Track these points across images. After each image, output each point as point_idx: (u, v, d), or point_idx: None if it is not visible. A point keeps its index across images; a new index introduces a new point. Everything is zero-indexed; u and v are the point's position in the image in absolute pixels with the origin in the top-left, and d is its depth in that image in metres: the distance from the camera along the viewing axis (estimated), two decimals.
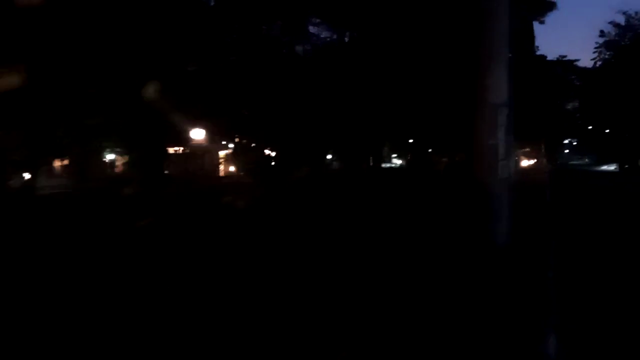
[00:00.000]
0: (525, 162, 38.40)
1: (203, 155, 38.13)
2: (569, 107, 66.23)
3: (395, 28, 23.98)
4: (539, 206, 13.38)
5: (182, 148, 41.05)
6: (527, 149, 38.85)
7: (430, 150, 49.25)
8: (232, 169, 41.72)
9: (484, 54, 5.39)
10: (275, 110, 30.28)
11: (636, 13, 46.12)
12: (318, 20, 32.40)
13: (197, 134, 32.54)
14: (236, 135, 39.85)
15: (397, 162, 68.49)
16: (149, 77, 24.54)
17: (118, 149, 41.67)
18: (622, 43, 48.29)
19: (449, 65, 20.40)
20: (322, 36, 34.94)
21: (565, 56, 50.83)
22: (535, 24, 36.63)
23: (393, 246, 7.59)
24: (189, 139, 33.42)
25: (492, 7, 5.25)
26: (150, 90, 24.87)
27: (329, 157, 57.45)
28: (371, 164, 52.40)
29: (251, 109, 28.83)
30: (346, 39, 35.11)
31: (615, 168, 60.17)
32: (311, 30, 34.43)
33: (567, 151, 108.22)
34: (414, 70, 23.91)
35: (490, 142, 5.28)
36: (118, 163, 42.83)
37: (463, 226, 6.98)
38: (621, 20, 47.34)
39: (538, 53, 43.05)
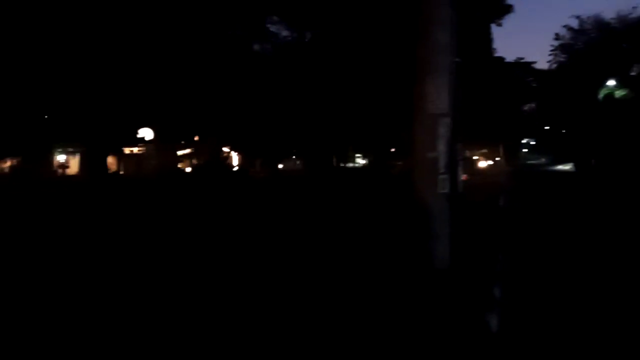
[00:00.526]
0: (483, 163, 39.01)
1: (159, 154, 37.08)
2: (526, 108, 67.90)
3: (346, 30, 23.74)
4: (491, 214, 13.09)
5: (137, 148, 39.95)
6: (486, 150, 39.46)
7: (393, 150, 49.41)
8: (188, 169, 40.77)
9: (421, 61, 5.01)
10: (233, 109, 29.67)
11: (589, 18, 47.43)
12: (277, 19, 31.95)
13: (147, 134, 31.54)
14: (194, 135, 39.05)
15: (361, 162, 68.49)
16: (100, 76, 23.57)
17: (70, 149, 40.21)
18: (576, 47, 49.60)
19: (395, 70, 20.32)
20: (283, 35, 34.51)
21: (522, 58, 52.05)
22: (493, 27, 37.15)
23: (315, 269, 6.82)
24: (141, 139, 32.46)
25: (431, 14, 4.88)
26: (102, 88, 23.92)
27: (293, 156, 57.15)
28: (334, 163, 52.28)
29: (208, 108, 28.06)
30: (306, 39, 34.75)
31: (571, 168, 61.91)
32: (272, 30, 33.97)
33: (525, 151, 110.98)
34: (366, 72, 23.73)
35: (429, 155, 4.92)
36: (69, 163, 41.28)
37: (399, 246, 6.55)
38: (575, 24, 48.63)
39: (496, 55, 43.79)
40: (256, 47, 33.90)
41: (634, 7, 54.51)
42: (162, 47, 23.42)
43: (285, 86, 30.49)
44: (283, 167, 52.74)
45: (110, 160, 39.17)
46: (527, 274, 7.04)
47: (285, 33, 34.21)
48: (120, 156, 41.15)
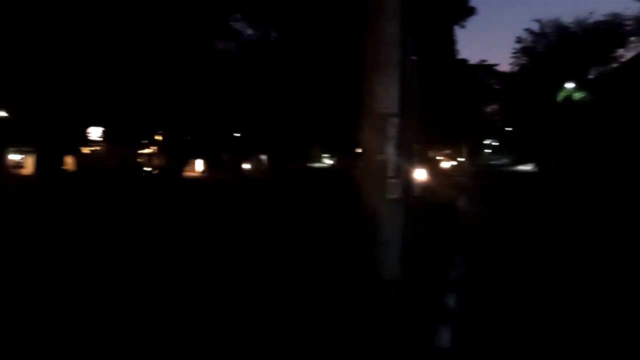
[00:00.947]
0: (446, 164, 39.35)
1: (117, 154, 35.90)
2: (489, 109, 69.19)
3: (308, 26, 23.34)
4: (450, 217, 12.82)
5: (97, 147, 38.65)
6: (449, 151, 39.76)
7: (359, 150, 49.28)
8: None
9: (368, 56, 4.63)
10: (193, 107, 28.93)
11: (549, 21, 48.50)
12: (240, 17, 31.30)
13: (97, 132, 30.48)
14: (157, 134, 38.02)
15: (329, 162, 68.33)
16: (51, 75, 22.50)
17: (26, 148, 38.63)
18: (537, 49, 50.65)
19: (356, 68, 19.88)
20: (248, 33, 33.90)
21: (485, 60, 52.80)
22: (458, 29, 37.42)
23: (251, 281, 6.22)
24: (98, 138, 31.36)
25: (378, 4, 4.50)
26: (52, 89, 22.84)
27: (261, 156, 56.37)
28: (301, 164, 51.92)
29: (166, 106, 27.16)
30: (272, 37, 34.25)
31: (532, 168, 63.36)
32: (238, 28, 33.32)
33: (488, 151, 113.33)
34: (329, 70, 23.41)
35: (377, 157, 4.56)
36: (25, 163, 39.60)
37: (346, 256, 6.14)
38: (536, 28, 49.67)
39: (460, 57, 44.20)
40: (220, 45, 33.21)
41: (591, 13, 56.09)
42: (118, 43, 22.51)
43: (249, 85, 29.95)
44: (249, 168, 51.98)
45: (70, 160, 37.78)
46: (485, 280, 6.80)
47: (250, 32, 33.67)
48: (79, 155, 39.76)
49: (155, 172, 37.16)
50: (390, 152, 4.56)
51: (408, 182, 7.05)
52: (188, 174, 49.86)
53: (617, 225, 12.49)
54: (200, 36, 27.19)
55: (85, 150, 39.68)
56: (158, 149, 41.87)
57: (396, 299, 4.52)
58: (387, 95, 4.56)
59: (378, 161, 4.56)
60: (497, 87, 58.14)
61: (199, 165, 55.50)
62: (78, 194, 22.50)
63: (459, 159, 55.25)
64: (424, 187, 20.38)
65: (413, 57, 7.28)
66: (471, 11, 35.41)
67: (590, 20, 45.12)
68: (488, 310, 5.48)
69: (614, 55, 44.15)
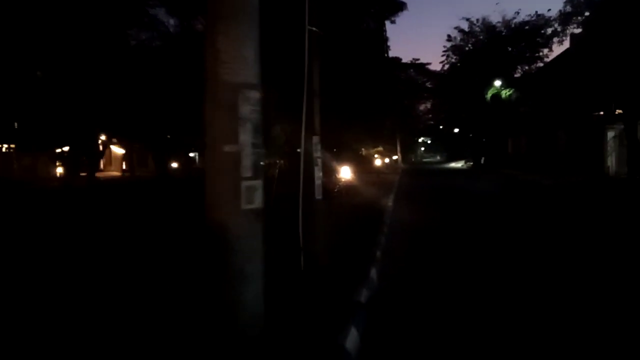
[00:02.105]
0: (379, 161, 38.79)
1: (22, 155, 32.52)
2: (422, 107, 69.84)
3: None
4: (370, 223, 11.51)
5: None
6: (381, 148, 39.19)
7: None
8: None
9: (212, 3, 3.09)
10: (111, 101, 26.42)
11: (478, 20, 48.99)
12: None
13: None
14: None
15: None
16: None
17: None
18: (466, 48, 51.16)
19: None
20: (171, 23, 31.61)
21: (418, 59, 52.97)
22: (391, 29, 36.83)
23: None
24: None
25: None
26: None
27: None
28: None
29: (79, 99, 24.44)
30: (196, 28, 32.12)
31: (462, 165, 64.44)
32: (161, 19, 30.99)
33: (422, 149, 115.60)
34: None
35: (227, 149, 3.07)
36: None
37: (185, 299, 4.62)
38: (465, 26, 50.04)
39: (393, 55, 43.80)
40: (144, 35, 30.77)
41: (516, 13, 57.52)
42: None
43: (168, 77, 27.78)
44: (176, 166, 49.19)
45: None
46: (402, 299, 5.53)
47: (172, 22, 31.41)
48: None
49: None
50: (245, 141, 3.06)
51: (309, 181, 5.70)
52: (110, 173, 46.59)
53: (554, 227, 11.80)
54: (112, 23, 24.64)
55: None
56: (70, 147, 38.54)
57: (258, 356, 3.06)
58: (238, 56, 3.05)
59: (228, 154, 3.06)
60: (429, 85, 58.54)
61: (121, 163, 52.13)
62: None
63: (393, 157, 55.03)
64: (347, 186, 19.25)
65: (312, 28, 5.91)
66: (401, 6, 34.85)
67: (516, 20, 45.98)
68: (403, 345, 4.17)
69: (539, 55, 45.19)
